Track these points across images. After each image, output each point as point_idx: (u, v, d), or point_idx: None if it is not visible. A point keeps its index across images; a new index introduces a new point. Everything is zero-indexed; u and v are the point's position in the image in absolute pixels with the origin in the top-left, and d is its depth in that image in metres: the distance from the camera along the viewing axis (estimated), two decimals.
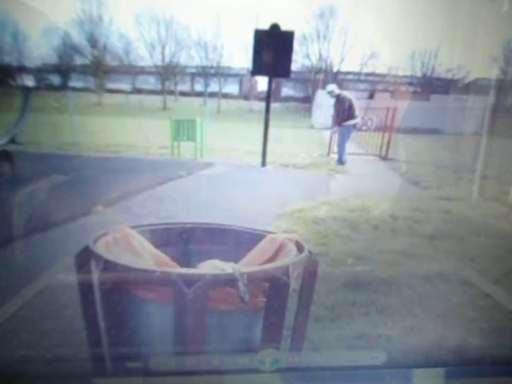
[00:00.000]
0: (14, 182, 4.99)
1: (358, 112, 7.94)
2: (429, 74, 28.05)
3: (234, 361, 0.73)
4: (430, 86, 27.41)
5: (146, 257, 1.19)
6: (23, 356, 0.85)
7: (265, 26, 6.77)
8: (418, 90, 28.37)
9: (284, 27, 6.76)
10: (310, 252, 1.21)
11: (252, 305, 1.04)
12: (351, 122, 7.84)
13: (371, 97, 20.36)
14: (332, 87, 8.04)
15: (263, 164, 7.22)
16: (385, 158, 8.78)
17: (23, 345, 1.53)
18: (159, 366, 0.72)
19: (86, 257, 1.12)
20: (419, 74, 28.22)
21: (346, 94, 8.06)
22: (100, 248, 1.12)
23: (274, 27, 6.69)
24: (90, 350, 1.20)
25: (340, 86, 7.83)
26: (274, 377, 0.71)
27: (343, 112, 7.79)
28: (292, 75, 9.72)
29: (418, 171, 6.98)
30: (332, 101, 8.04)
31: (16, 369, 0.72)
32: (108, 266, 1.02)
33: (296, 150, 8.72)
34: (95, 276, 1.08)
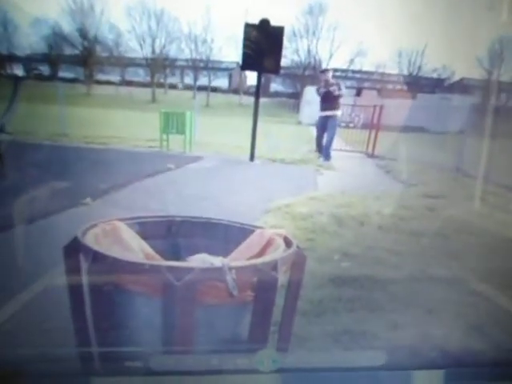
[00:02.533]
0: (2, 173, 4.89)
1: (340, 105, 7.73)
2: (415, 73, 28.31)
3: (233, 361, 0.72)
4: (416, 84, 27.67)
5: (135, 249, 1.18)
6: (21, 354, 0.83)
7: (255, 21, 6.72)
8: (405, 88, 28.61)
9: (274, 22, 6.73)
10: (298, 247, 1.20)
11: (241, 299, 1.04)
12: (331, 113, 7.58)
13: (358, 94, 20.46)
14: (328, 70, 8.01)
15: (251, 158, 7.20)
16: (371, 156, 8.82)
17: (22, 343, 1.49)
18: (156, 366, 0.70)
19: (74, 248, 1.10)
20: (406, 73, 28.46)
21: (338, 83, 7.84)
22: (89, 240, 1.10)
23: (264, 22, 6.63)
24: (77, 345, 1.17)
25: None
26: (272, 377, 0.70)
27: (328, 100, 7.52)
28: (281, 71, 9.62)
29: (404, 169, 7.02)
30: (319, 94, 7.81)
31: (14, 367, 0.69)
32: (97, 257, 1.00)
33: (284, 146, 8.70)
34: (84, 268, 1.06)
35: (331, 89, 7.41)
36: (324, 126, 7.70)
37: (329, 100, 7.50)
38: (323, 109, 7.67)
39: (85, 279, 1.06)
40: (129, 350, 1.03)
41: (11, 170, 4.76)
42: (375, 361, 0.73)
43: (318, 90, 7.74)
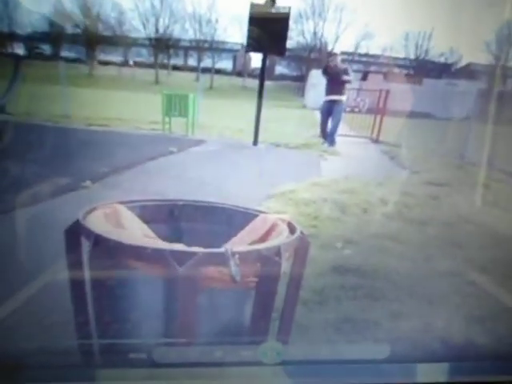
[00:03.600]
0: (3, 153, 4.87)
1: (346, 90, 7.56)
2: (422, 57, 27.92)
3: (236, 353, 0.70)
4: (422, 69, 27.32)
5: (137, 233, 1.16)
6: (24, 348, 0.83)
7: (261, 1, 6.58)
8: (411, 72, 28.26)
9: (280, 3, 6.59)
10: (301, 233, 1.18)
11: (243, 284, 1.03)
12: (337, 98, 7.37)
13: (364, 78, 20.20)
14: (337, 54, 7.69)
15: (255, 143, 7.13)
16: (376, 141, 8.73)
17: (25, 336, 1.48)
18: (159, 358, 0.69)
19: (76, 232, 1.09)
20: (412, 57, 28.08)
21: (347, 68, 7.57)
22: (90, 223, 1.09)
23: (270, 2, 6.50)
24: (79, 334, 1.17)
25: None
26: (276, 370, 0.69)
27: (335, 84, 7.29)
28: (287, 53, 9.48)
29: (409, 155, 6.96)
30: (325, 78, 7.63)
31: (17, 360, 0.68)
32: (98, 241, 0.99)
33: (288, 130, 8.63)
34: (86, 251, 1.05)
35: (340, 74, 7.20)
36: (329, 110, 7.51)
37: (336, 84, 7.30)
38: (329, 93, 7.44)
39: (86, 263, 1.05)
40: (131, 342, 1.03)
41: (11, 152, 4.73)
42: (379, 354, 0.71)
43: (324, 71, 7.47)
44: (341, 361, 0.74)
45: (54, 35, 22.86)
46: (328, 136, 7.57)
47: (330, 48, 24.61)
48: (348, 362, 0.73)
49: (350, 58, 26.89)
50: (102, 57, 26.67)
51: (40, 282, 1.97)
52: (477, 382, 0.73)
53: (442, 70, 27.25)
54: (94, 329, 1.11)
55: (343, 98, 7.50)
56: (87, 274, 1.08)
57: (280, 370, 0.72)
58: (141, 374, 0.73)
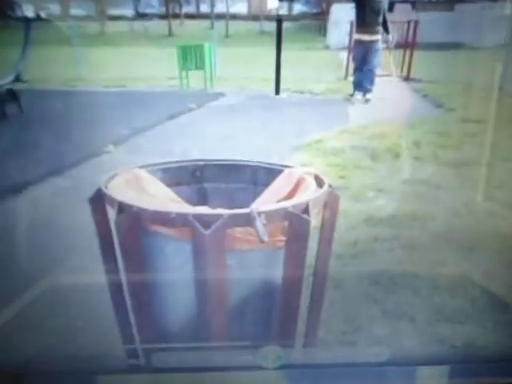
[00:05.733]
0: (23, 123, 4.94)
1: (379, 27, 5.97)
2: None
3: (236, 357, 0.71)
4: None
5: (161, 197, 1.16)
6: (25, 354, 0.86)
7: None
8: None
9: None
10: (330, 186, 1.14)
11: (272, 244, 1.01)
12: (375, 37, 6.01)
13: (390, 9, 19.10)
14: None
15: (277, 92, 6.95)
16: (406, 79, 8.36)
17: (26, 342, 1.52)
18: (159, 363, 0.69)
19: (100, 200, 1.11)
20: None
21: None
22: (112, 190, 1.09)
23: None
24: (115, 305, 1.21)
25: None
26: (276, 374, 0.69)
27: (371, 17, 5.87)
28: None
29: (442, 91, 6.66)
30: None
31: (18, 367, 0.70)
32: (122, 208, 1.00)
33: (311, 75, 8.35)
34: (111, 218, 1.06)
35: (376, 4, 5.87)
36: (364, 54, 6.11)
37: (371, 18, 5.89)
38: (362, 31, 6.05)
39: (113, 229, 1.07)
40: (131, 347, 1.09)
41: (29, 121, 4.79)
42: (379, 357, 0.71)
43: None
44: (341, 364, 0.74)
45: None
46: (364, 85, 6.34)
47: None
48: (348, 366, 0.73)
49: None
50: (112, 11, 26.16)
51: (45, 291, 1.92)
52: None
53: None
54: (128, 298, 1.14)
55: (379, 36, 6.06)
56: (115, 239, 1.09)
57: (280, 374, 0.72)
58: (142, 380, 0.75)
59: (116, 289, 1.19)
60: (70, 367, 0.71)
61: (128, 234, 1.02)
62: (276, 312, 1.12)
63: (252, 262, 1.08)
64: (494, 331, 1.53)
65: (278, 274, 1.08)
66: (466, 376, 0.71)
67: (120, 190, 1.09)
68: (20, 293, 1.80)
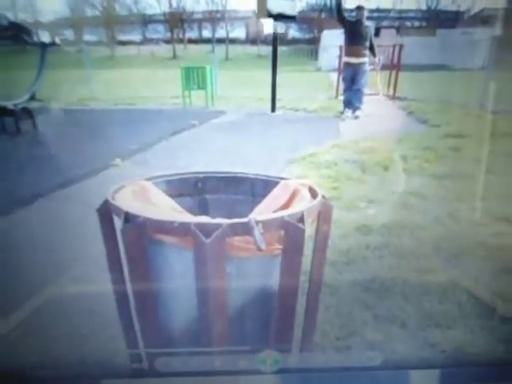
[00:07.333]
0: (37, 138, 4.92)
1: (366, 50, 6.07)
2: (434, 7, 26.43)
3: (236, 361, 0.68)
4: (435, 19, 25.91)
5: (165, 208, 1.15)
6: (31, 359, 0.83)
7: None
8: (424, 24, 26.87)
9: None
10: (323, 197, 1.13)
11: (269, 252, 1.01)
12: (362, 60, 6.11)
13: (377, 34, 19.30)
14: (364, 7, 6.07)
15: (273, 110, 6.97)
16: (393, 98, 8.40)
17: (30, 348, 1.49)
18: (160, 367, 0.66)
19: (107, 210, 1.10)
20: (424, 7, 26.59)
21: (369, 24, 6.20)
22: (119, 201, 1.08)
23: None
24: (120, 313, 1.18)
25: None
26: (274, 377, 0.69)
27: (358, 43, 5.98)
28: (297, 15, 9.05)
29: (426, 109, 6.68)
30: (340, 38, 6.47)
31: (20, 372, 0.67)
32: (128, 218, 0.99)
33: (305, 94, 8.38)
34: (118, 228, 1.05)
35: (364, 30, 5.94)
36: (353, 75, 6.18)
37: (359, 42, 5.97)
38: (351, 54, 6.10)
39: (119, 237, 1.05)
40: (135, 352, 1.06)
41: (43, 136, 4.77)
42: (372, 361, 0.70)
43: (347, 28, 6.03)
44: (335, 369, 0.73)
45: (74, 20, 22.70)
46: (353, 103, 6.39)
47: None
48: (342, 370, 0.72)
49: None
50: (121, 37, 26.40)
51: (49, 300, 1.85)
52: None
53: (455, 19, 25.78)
54: (132, 306, 1.11)
55: (366, 59, 6.15)
56: (121, 248, 1.08)
57: (278, 377, 0.71)
58: None
59: (121, 295, 1.18)
60: (76, 372, 0.69)
61: (133, 243, 1.01)
62: (273, 317, 1.10)
63: (250, 269, 1.07)
64: (480, 336, 1.49)
65: (275, 280, 1.06)
66: (457, 380, 0.69)
67: (126, 201, 1.08)
68: (28, 299, 1.76)
